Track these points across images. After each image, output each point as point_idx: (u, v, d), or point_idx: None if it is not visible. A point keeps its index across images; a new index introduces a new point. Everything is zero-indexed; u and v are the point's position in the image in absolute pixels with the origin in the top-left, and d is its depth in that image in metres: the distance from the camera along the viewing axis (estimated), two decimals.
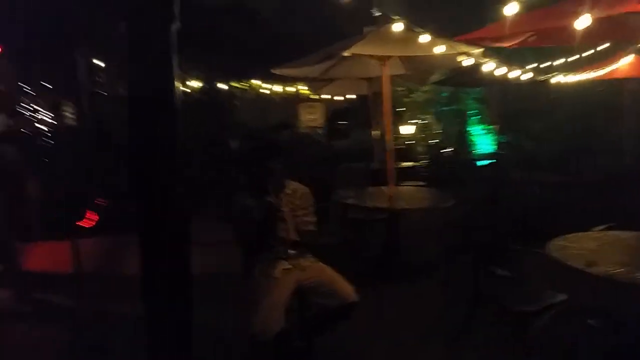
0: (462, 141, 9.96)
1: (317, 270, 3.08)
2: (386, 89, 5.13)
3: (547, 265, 2.78)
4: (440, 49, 4.12)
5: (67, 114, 8.00)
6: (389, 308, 4.04)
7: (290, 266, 3.01)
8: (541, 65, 6.45)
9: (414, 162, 9.02)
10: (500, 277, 3.23)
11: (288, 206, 3.08)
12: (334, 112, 11.06)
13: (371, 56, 4.90)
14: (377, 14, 3.84)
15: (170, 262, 2.31)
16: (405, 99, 10.32)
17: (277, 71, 5.55)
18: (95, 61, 7.78)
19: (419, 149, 10.06)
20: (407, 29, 4.07)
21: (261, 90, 11.05)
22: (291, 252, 3.03)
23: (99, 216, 7.07)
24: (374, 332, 3.62)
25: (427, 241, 5.39)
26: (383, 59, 4.99)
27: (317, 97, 10.74)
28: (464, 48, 4.25)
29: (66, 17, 6.59)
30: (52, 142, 7.77)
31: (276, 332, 2.74)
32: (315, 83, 8.08)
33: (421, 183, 7.63)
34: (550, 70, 6.60)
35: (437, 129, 10.39)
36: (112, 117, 7.53)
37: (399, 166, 8.27)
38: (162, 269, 2.31)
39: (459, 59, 4.29)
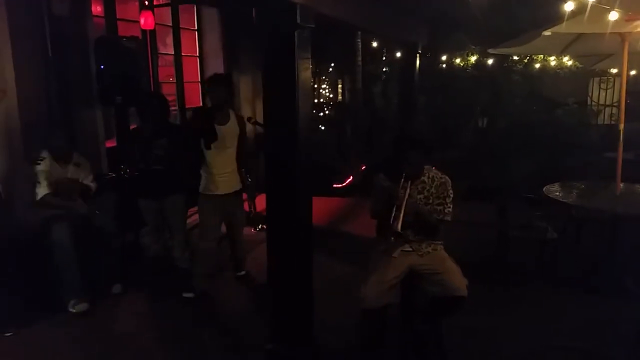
0: None
1: (435, 259, 3.16)
2: (624, 68, 4.47)
3: None
4: None
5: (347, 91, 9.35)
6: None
7: (410, 249, 3.19)
8: None
9: None
10: None
11: (422, 194, 3.20)
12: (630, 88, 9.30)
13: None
14: None
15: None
16: None
17: (493, 50, 5.29)
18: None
19: None
20: None
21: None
22: (414, 237, 3.18)
23: (352, 180, 8.24)
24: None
25: None
26: (623, 35, 4.23)
27: (612, 72, 9.24)
28: None
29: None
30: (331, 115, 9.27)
31: (379, 306, 3.03)
32: (587, 57, 7.08)
33: None
34: None
35: None
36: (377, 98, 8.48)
37: None
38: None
39: None
